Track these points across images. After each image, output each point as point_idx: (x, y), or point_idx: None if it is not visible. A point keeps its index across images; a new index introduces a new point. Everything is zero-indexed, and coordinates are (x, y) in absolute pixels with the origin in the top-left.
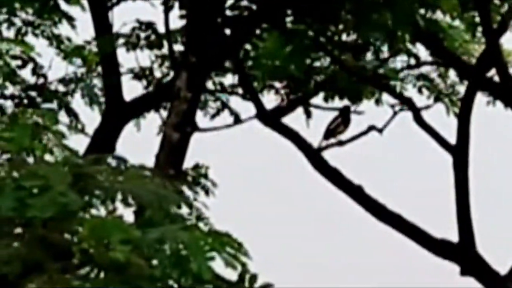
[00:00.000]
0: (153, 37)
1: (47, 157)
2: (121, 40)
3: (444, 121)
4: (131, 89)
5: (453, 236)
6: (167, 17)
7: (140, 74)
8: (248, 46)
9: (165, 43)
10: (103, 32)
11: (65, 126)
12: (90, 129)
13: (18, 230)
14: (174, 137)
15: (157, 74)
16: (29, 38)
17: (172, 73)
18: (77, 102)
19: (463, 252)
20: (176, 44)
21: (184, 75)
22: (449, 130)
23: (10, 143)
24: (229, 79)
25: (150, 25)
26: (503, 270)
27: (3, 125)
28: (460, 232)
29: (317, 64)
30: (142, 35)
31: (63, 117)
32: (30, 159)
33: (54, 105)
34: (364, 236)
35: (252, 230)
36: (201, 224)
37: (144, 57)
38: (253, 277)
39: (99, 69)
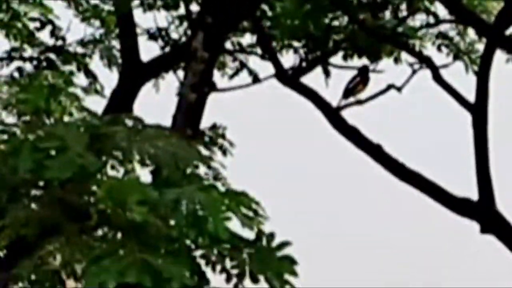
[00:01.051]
0: None
1: (66, 119)
2: (137, 1)
3: (463, 79)
4: (148, 50)
5: (473, 194)
6: None
7: (156, 34)
8: (265, 6)
9: (182, 3)
10: None
11: (80, 89)
12: (109, 91)
13: (36, 192)
14: (191, 97)
15: (174, 34)
16: (48, 1)
17: (189, 34)
18: (96, 63)
19: (483, 210)
20: (192, 4)
21: (201, 36)
22: (468, 88)
23: (25, 104)
24: (248, 39)
25: None
26: None
27: (18, 87)
28: (480, 190)
29: (336, 23)
30: None
31: (81, 79)
32: (49, 121)
33: (73, 67)
34: (384, 195)
35: (270, 190)
36: (218, 184)
37: (161, 18)
38: (271, 236)
39: (118, 30)
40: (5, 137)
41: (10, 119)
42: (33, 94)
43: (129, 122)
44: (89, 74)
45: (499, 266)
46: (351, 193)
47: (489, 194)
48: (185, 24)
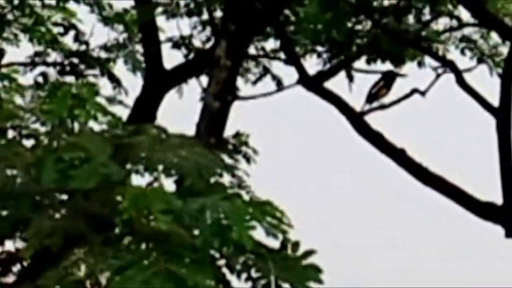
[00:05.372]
0: (192, 5)
1: (91, 123)
2: (160, 9)
3: (487, 83)
4: (172, 58)
5: (498, 198)
6: None
7: (180, 43)
8: (287, 11)
9: (205, 10)
10: (142, 0)
11: (104, 99)
12: (134, 95)
13: (60, 202)
14: (215, 105)
15: (197, 42)
16: (71, 5)
17: (212, 39)
18: (120, 68)
19: (507, 214)
20: (215, 12)
21: (224, 44)
22: (492, 92)
23: (49, 115)
24: (271, 44)
25: None
26: None
27: (42, 97)
28: (504, 194)
29: (359, 27)
30: (182, 3)
31: (105, 86)
32: (75, 126)
33: (96, 71)
34: (408, 199)
35: (295, 197)
36: (242, 192)
37: (184, 25)
38: (296, 245)
39: (141, 36)
40: (30, 142)
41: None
42: (57, 105)
43: (153, 131)
44: (113, 79)
45: None
46: (375, 199)
47: None
48: (208, 30)
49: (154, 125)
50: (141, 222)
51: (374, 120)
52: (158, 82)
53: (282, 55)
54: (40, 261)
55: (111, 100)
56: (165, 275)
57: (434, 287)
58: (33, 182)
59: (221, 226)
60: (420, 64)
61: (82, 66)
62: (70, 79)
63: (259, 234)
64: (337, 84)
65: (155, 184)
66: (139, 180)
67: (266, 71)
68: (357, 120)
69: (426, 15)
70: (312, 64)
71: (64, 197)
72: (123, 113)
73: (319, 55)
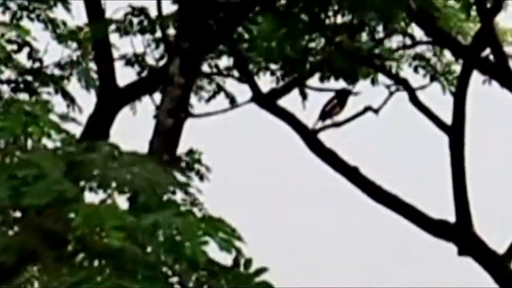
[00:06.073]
0: (146, 22)
1: (45, 141)
2: (113, 26)
3: (440, 100)
4: (125, 75)
5: (450, 216)
6: (160, 2)
7: (133, 60)
8: (241, 29)
9: (158, 28)
10: (95, 17)
11: (57, 116)
12: (87, 112)
13: (13, 219)
14: (168, 123)
15: (150, 60)
16: (25, 22)
17: (166, 57)
18: (74, 85)
19: (460, 232)
20: (168, 29)
21: (177, 61)
22: (446, 110)
23: (2, 132)
24: (225, 61)
25: (142, 11)
26: (500, 250)
27: None
28: (457, 212)
29: (312, 45)
30: (135, 20)
31: (59, 104)
32: (28, 143)
33: (50, 89)
34: (361, 218)
35: (248, 214)
36: (195, 210)
37: (138, 42)
38: (248, 262)
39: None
40: None
41: None
42: (11, 122)
43: (106, 149)
44: (67, 96)
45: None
46: (329, 215)
47: (466, 216)
48: (162, 47)
49: (107, 142)
50: (94, 238)
51: (328, 138)
52: (112, 100)
53: (235, 72)
54: None
55: (64, 117)
56: None
57: None
58: None
59: (175, 243)
60: (374, 81)
61: (36, 84)
62: (23, 96)
63: (212, 252)
64: (290, 101)
65: (109, 201)
66: (92, 197)
67: (219, 88)
68: (310, 138)
69: (380, 32)
70: (266, 82)
71: (18, 214)
72: (77, 130)
73: (273, 72)
